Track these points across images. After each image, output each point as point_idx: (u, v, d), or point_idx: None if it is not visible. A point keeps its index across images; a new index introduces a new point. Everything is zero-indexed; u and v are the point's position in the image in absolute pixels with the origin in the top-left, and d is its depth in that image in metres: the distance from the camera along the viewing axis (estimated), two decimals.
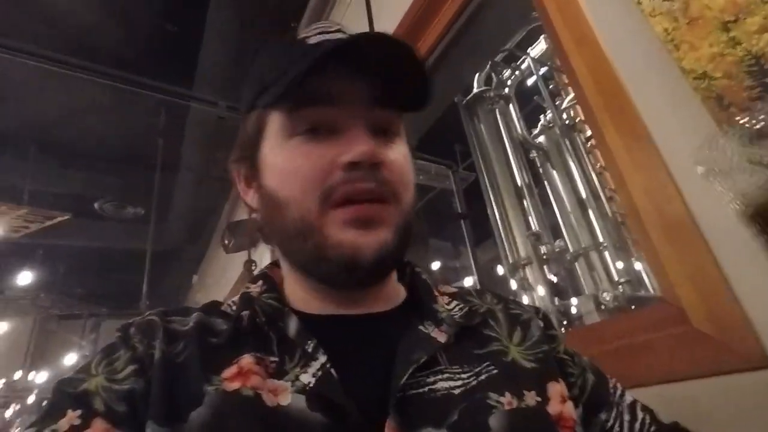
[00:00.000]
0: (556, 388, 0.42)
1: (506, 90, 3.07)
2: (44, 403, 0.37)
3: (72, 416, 0.34)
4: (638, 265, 2.53)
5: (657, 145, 0.66)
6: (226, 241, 2.69)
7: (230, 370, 0.37)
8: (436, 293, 0.48)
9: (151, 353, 0.39)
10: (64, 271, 4.92)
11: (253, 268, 2.69)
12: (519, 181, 2.86)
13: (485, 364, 0.41)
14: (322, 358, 0.38)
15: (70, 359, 6.02)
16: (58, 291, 4.82)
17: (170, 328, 0.41)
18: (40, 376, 6.41)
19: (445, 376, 0.39)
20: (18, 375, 6.42)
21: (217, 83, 2.55)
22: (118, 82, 2.17)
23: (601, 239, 2.70)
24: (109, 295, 5.70)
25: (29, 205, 3.08)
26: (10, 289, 4.53)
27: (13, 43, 1.90)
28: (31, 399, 6.41)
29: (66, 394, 0.36)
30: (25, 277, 4.26)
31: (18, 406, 6.66)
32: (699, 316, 0.60)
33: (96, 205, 3.93)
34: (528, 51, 2.91)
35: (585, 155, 2.94)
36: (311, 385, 0.36)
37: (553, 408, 0.40)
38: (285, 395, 0.36)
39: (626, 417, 0.44)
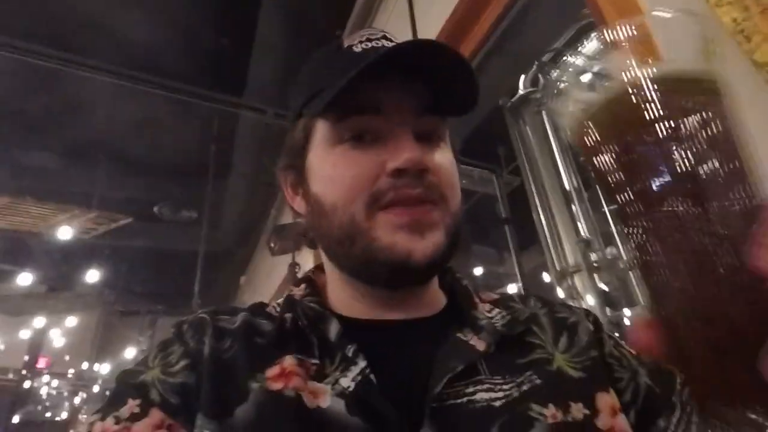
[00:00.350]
0: (606, 400, 0.39)
1: (554, 91, 2.96)
2: (108, 391, 0.40)
3: (132, 405, 0.36)
4: None
5: None
6: (272, 244, 2.78)
7: (273, 370, 0.38)
8: (477, 300, 0.47)
9: (201, 348, 0.41)
10: (126, 270, 5.30)
11: (296, 270, 2.77)
12: (567, 185, 2.74)
13: (528, 374, 0.39)
14: (362, 363, 0.38)
15: (130, 353, 6.45)
16: (120, 289, 5.19)
17: (219, 326, 0.43)
18: (104, 368, 6.92)
19: (486, 386, 0.38)
20: (85, 366, 6.98)
21: (266, 92, 2.65)
22: (177, 94, 2.32)
23: None
24: (164, 293, 6.06)
25: (98, 209, 3.36)
26: (80, 286, 4.94)
27: (88, 61, 2.09)
28: (96, 388, 6.94)
29: (127, 384, 0.39)
30: (92, 275, 4.63)
31: (85, 395, 7.22)
32: None
33: (155, 209, 4.20)
34: (579, 50, 2.79)
35: None
36: (351, 389, 0.37)
37: (603, 422, 0.37)
38: (325, 398, 0.36)
39: (694, 419, 0.39)
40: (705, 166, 0.18)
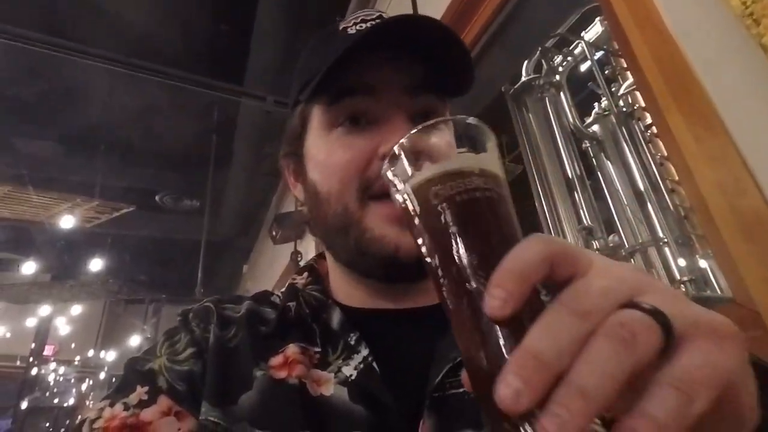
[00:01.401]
0: None
1: (557, 77, 2.92)
2: (116, 378, 0.41)
3: (141, 392, 0.37)
4: (703, 263, 2.34)
5: (731, 134, 0.60)
6: (274, 233, 2.79)
7: (277, 359, 0.38)
8: None
9: (206, 337, 0.41)
10: (130, 258, 5.32)
11: (298, 259, 2.78)
12: (570, 173, 2.73)
13: None
14: (364, 351, 0.38)
15: (135, 341, 6.52)
16: (124, 277, 5.23)
17: (224, 314, 0.43)
18: (109, 355, 7.01)
19: None
20: (91, 353, 7.06)
21: (266, 79, 2.62)
22: (175, 81, 2.30)
23: (660, 234, 2.52)
24: (168, 282, 6.10)
25: (100, 198, 3.36)
26: (84, 275, 4.98)
27: (87, 49, 2.07)
28: (102, 375, 7.04)
29: (136, 372, 0.39)
30: (96, 264, 4.65)
31: (91, 381, 7.33)
32: None
33: (157, 198, 4.20)
34: (582, 35, 2.75)
35: (644, 145, 2.75)
36: (353, 377, 0.37)
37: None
38: (328, 386, 0.37)
39: None
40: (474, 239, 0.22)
